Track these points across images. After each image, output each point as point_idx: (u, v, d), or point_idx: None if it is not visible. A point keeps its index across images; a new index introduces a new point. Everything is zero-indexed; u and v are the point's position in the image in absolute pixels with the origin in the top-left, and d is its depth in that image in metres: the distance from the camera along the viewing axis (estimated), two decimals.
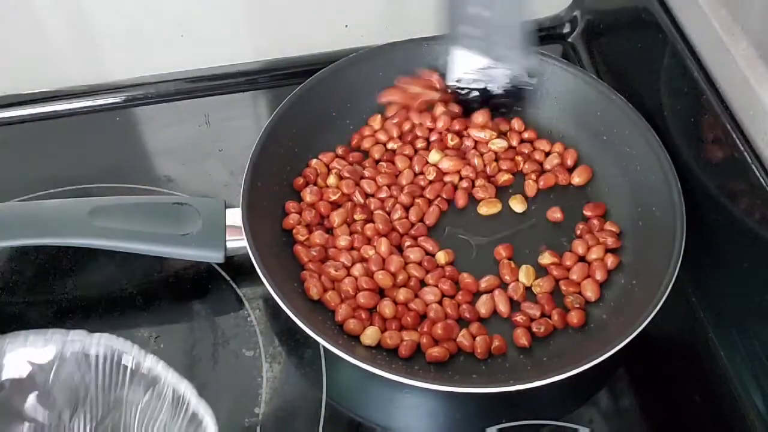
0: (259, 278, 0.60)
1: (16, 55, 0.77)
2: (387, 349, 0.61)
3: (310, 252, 0.65)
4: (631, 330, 0.57)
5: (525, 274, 0.65)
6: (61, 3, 0.75)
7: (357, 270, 0.64)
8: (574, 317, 0.62)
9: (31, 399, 0.55)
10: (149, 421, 0.54)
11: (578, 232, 0.67)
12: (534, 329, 0.62)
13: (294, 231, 0.66)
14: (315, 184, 0.69)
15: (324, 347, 0.58)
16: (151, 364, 0.54)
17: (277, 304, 0.59)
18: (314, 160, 0.71)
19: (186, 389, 0.52)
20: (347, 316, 0.62)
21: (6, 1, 0.73)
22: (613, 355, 0.57)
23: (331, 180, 0.69)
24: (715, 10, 0.63)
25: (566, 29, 0.85)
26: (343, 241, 0.65)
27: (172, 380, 0.53)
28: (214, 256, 0.64)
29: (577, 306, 0.63)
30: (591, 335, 0.61)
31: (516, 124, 0.74)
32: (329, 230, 0.67)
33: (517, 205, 0.69)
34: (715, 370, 0.62)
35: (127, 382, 0.55)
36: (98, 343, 0.55)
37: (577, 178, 0.70)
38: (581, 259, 0.66)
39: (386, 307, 0.62)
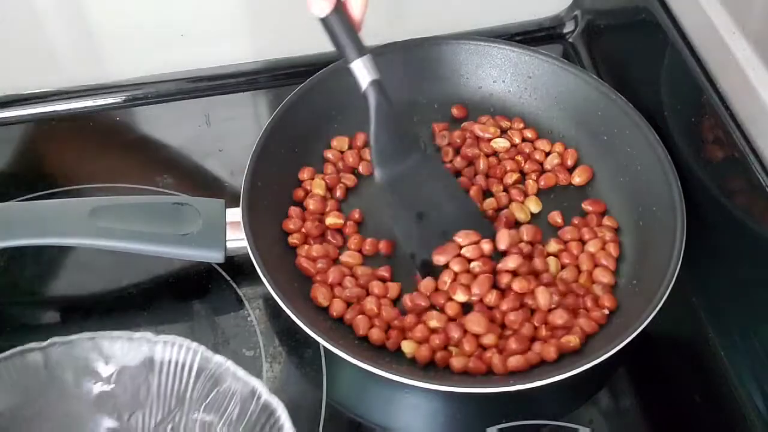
0: (259, 278, 0.60)
1: (16, 55, 0.77)
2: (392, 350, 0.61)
3: (317, 264, 0.65)
4: (631, 330, 0.57)
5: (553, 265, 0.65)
6: (61, 3, 0.75)
7: (377, 288, 0.63)
8: (606, 301, 0.62)
9: (95, 398, 0.56)
10: (215, 416, 0.55)
11: (575, 221, 0.68)
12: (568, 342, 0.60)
13: (290, 236, 0.66)
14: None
15: (324, 347, 0.58)
16: (219, 362, 0.55)
17: (277, 304, 0.59)
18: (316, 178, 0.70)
19: (255, 384, 0.53)
20: (367, 328, 0.61)
21: (6, 1, 0.73)
22: (613, 355, 0.57)
23: (318, 188, 0.69)
24: (715, 10, 0.63)
25: (566, 29, 0.85)
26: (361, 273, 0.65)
27: (241, 376, 0.54)
28: (214, 256, 0.64)
29: (602, 294, 0.63)
30: (591, 335, 0.61)
31: (516, 122, 0.74)
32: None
33: (533, 204, 0.69)
34: (715, 370, 0.62)
35: (192, 382, 0.55)
36: (163, 345, 0.55)
37: (578, 178, 0.70)
38: (582, 244, 0.66)
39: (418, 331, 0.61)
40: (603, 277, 0.64)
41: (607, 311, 0.62)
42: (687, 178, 0.65)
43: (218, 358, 0.55)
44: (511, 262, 0.63)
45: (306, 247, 0.66)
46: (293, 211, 0.68)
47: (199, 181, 0.74)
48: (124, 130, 0.78)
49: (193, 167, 0.75)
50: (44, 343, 0.55)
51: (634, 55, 0.75)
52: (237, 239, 0.63)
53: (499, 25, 0.83)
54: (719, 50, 0.62)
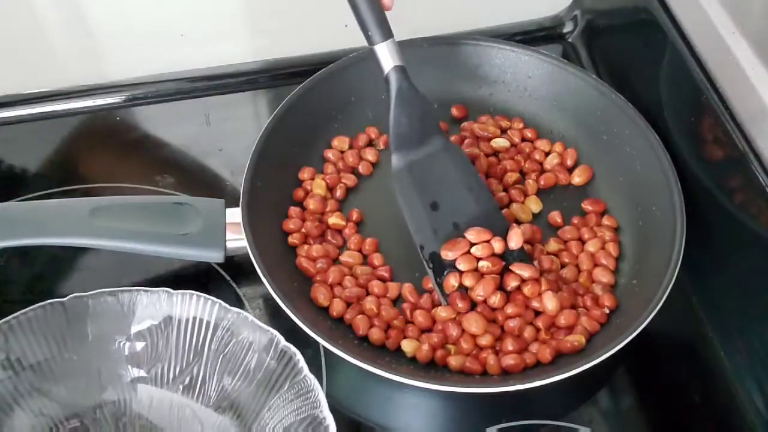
0: (259, 278, 0.60)
1: (16, 55, 0.77)
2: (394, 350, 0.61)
3: (317, 264, 0.65)
4: (631, 330, 0.57)
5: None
6: (61, 3, 0.75)
7: (376, 288, 0.64)
8: (606, 300, 0.62)
9: (115, 351, 0.58)
10: (234, 366, 0.56)
11: (574, 221, 0.68)
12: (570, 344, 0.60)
13: (290, 236, 0.66)
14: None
15: (324, 347, 0.58)
16: (236, 313, 0.56)
17: (277, 304, 0.59)
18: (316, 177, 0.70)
19: (273, 333, 0.55)
20: (367, 328, 0.62)
21: (6, 1, 0.73)
22: (613, 355, 0.57)
23: (318, 188, 0.69)
24: (715, 10, 0.63)
25: (566, 29, 0.85)
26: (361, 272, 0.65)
27: (258, 326, 0.55)
28: (214, 256, 0.64)
29: (602, 293, 0.63)
30: (593, 334, 0.61)
31: (516, 122, 0.74)
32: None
33: (533, 204, 0.69)
34: (715, 370, 0.62)
35: (209, 334, 0.57)
36: (181, 298, 0.57)
37: (577, 178, 0.70)
38: (582, 243, 0.66)
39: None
40: (603, 276, 0.64)
41: (607, 310, 0.62)
42: (687, 178, 0.65)
43: (235, 310, 0.56)
44: (526, 272, 0.62)
45: (306, 247, 0.66)
46: (293, 211, 0.68)
47: (199, 181, 0.74)
48: (124, 130, 0.78)
49: (193, 167, 0.75)
50: (64, 299, 0.57)
51: (634, 55, 0.75)
52: (237, 239, 0.63)
53: (499, 25, 0.83)
54: (719, 50, 0.62)
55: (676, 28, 0.67)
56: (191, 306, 0.57)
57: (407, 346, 0.60)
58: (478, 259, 0.62)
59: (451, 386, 0.56)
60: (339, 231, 0.67)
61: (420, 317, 0.62)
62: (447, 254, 0.62)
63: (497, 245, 0.63)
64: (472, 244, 0.63)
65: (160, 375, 0.58)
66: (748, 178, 0.58)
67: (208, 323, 0.57)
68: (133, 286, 0.59)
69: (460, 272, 0.62)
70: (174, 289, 0.58)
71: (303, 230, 0.67)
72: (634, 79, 0.74)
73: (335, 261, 0.66)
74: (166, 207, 0.65)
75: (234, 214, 0.64)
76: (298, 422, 0.53)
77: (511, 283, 0.62)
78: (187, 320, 0.57)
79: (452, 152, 0.66)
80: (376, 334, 0.61)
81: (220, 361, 0.57)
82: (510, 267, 0.62)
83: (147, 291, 0.57)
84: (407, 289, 0.63)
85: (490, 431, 0.58)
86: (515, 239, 0.63)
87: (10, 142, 0.77)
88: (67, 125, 0.78)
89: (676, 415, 0.61)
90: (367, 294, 0.63)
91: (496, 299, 0.61)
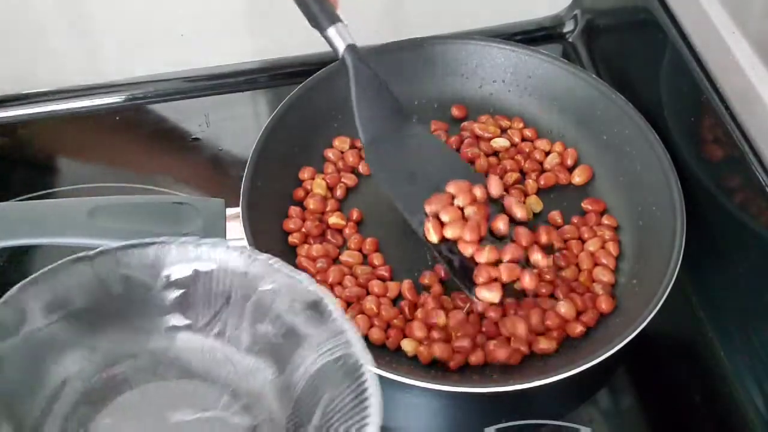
0: None
1: (16, 55, 0.77)
2: (392, 350, 0.61)
3: (317, 264, 0.65)
4: (631, 330, 0.57)
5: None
6: (61, 3, 0.75)
7: (376, 287, 0.64)
8: (603, 302, 0.62)
9: (175, 300, 0.57)
10: (262, 312, 0.56)
11: (574, 220, 0.68)
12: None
13: (290, 236, 0.67)
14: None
15: None
16: (263, 260, 0.55)
17: None
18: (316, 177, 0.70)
19: (300, 277, 0.54)
20: (367, 327, 0.62)
21: (6, 1, 0.73)
22: (613, 355, 0.57)
23: (318, 188, 0.69)
24: (715, 10, 0.64)
25: (566, 29, 0.85)
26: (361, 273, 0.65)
27: (286, 272, 0.55)
28: None
29: (602, 293, 0.63)
30: (591, 335, 0.61)
31: (516, 122, 0.74)
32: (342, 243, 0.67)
33: (533, 203, 0.69)
34: (715, 370, 0.62)
35: (237, 281, 0.57)
36: (208, 248, 0.56)
37: (577, 178, 0.70)
38: (582, 242, 0.66)
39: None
40: (603, 275, 0.64)
41: (600, 313, 0.62)
42: (687, 178, 0.65)
43: (263, 257, 0.56)
44: (519, 211, 0.64)
45: (306, 246, 0.66)
46: (293, 210, 0.68)
47: (199, 181, 0.74)
48: (124, 130, 0.78)
49: (193, 167, 0.75)
50: (91, 252, 0.56)
51: (633, 55, 0.75)
52: (237, 239, 0.63)
53: (499, 25, 0.83)
54: (719, 50, 0.62)
55: (676, 28, 0.67)
56: (219, 254, 0.57)
57: (407, 345, 0.60)
58: (462, 209, 0.63)
59: (451, 386, 0.56)
60: (339, 231, 0.68)
61: (419, 316, 0.62)
62: (430, 207, 0.63)
63: (479, 192, 0.64)
64: (454, 197, 0.64)
65: (192, 323, 0.57)
66: (748, 178, 0.58)
67: (235, 270, 0.56)
68: None
69: (442, 224, 0.63)
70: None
71: (303, 230, 0.67)
72: (634, 79, 0.74)
73: (335, 261, 0.66)
74: (166, 207, 0.65)
75: (234, 215, 0.64)
76: (332, 362, 0.53)
77: (500, 225, 0.63)
78: (216, 269, 0.57)
79: (416, 127, 0.68)
80: (376, 334, 0.61)
81: (250, 306, 0.56)
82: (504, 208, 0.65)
83: (175, 241, 0.57)
84: (406, 286, 0.63)
85: (488, 431, 0.58)
86: (495, 186, 0.65)
87: (11, 142, 0.77)
88: (67, 125, 0.78)
89: (676, 415, 0.61)
90: (367, 294, 0.63)
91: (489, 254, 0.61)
